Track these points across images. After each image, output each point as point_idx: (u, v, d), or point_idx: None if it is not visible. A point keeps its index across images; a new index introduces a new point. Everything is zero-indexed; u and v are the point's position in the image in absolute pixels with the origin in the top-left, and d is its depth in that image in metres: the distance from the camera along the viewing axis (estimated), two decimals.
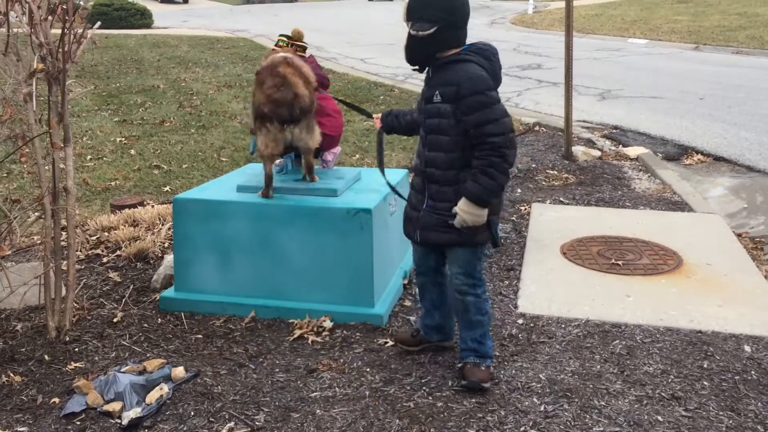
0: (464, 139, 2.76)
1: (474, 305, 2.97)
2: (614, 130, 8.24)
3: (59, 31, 3.24)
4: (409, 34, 2.76)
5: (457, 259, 2.96)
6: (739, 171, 6.67)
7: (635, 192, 5.99)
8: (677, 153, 7.32)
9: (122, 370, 3.10)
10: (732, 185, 6.32)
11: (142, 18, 21.45)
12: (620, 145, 7.59)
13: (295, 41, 3.98)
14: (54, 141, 3.39)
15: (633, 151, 7.23)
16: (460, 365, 3.07)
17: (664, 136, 7.87)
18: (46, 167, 3.46)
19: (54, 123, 3.38)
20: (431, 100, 2.83)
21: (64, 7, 3.26)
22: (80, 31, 3.39)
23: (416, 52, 2.81)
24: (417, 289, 3.36)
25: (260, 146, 3.56)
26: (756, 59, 13.62)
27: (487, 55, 2.81)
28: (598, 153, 7.16)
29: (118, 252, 4.56)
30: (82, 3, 3.54)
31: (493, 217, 2.85)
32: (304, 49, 4.01)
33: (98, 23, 3.67)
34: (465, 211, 2.75)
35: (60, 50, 3.29)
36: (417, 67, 2.88)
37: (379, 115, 3.24)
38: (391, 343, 3.38)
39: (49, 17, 3.32)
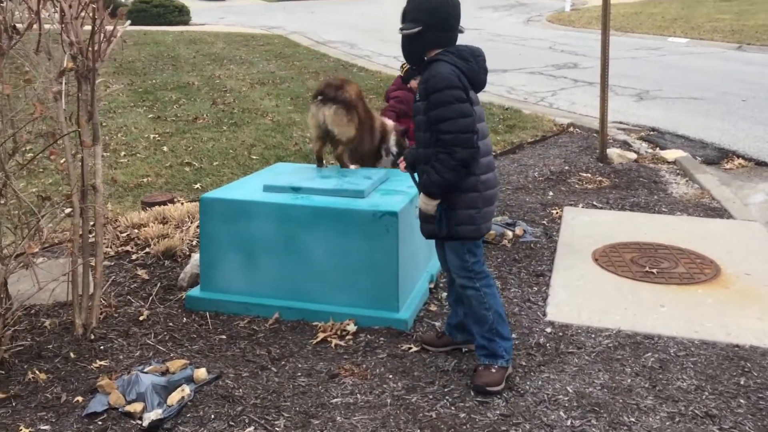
0: (436, 134, 2.86)
1: (475, 299, 3.01)
2: (651, 132, 8.04)
3: (90, 28, 3.25)
4: (401, 33, 2.96)
5: (449, 252, 3.04)
6: None
7: (672, 197, 5.82)
8: (717, 157, 7.10)
9: (145, 370, 3.10)
10: None
11: (180, 15, 21.68)
12: (657, 148, 7.39)
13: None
14: (83, 139, 3.41)
15: (670, 154, 7.03)
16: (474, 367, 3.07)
17: (703, 139, 7.65)
18: (77, 164, 3.48)
19: (83, 121, 3.40)
20: (416, 99, 2.97)
21: (95, 6, 3.27)
22: (110, 29, 3.40)
23: (406, 51, 2.99)
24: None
25: (310, 125, 4.19)
26: None
27: (464, 56, 2.88)
28: (633, 155, 6.98)
29: (147, 249, 4.58)
30: (123, 0, 3.56)
31: (470, 210, 2.89)
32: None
33: (128, 22, 3.69)
34: (421, 201, 2.95)
35: (90, 49, 3.31)
36: (415, 67, 3.04)
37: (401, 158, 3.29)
38: (415, 349, 3.33)
39: (81, 14, 3.33)
